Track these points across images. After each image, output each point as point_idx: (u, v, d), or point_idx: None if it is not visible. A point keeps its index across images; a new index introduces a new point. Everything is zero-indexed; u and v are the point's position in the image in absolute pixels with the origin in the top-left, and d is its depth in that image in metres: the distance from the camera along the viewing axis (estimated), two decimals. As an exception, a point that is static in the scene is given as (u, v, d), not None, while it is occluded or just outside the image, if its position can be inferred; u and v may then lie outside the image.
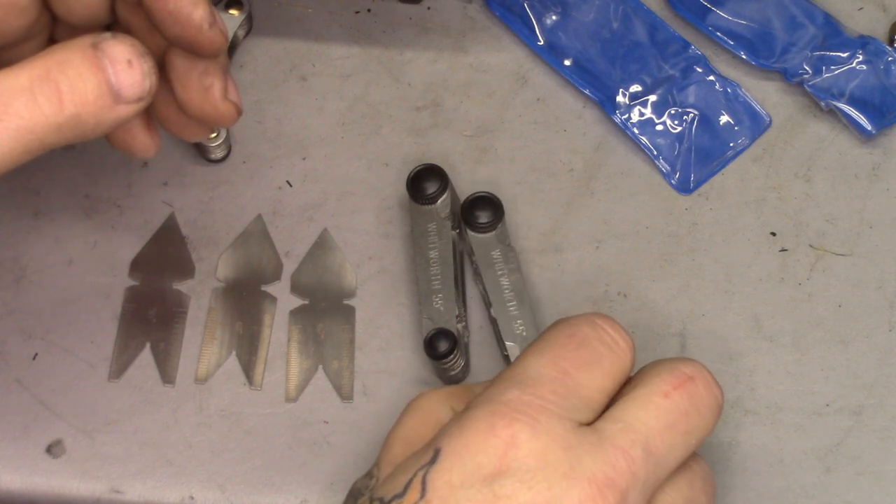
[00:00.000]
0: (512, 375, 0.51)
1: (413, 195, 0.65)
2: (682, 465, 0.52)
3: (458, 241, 0.66)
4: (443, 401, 0.56)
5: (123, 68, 0.48)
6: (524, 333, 0.64)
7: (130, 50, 0.48)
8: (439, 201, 0.65)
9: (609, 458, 0.48)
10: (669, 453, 0.50)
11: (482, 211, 0.65)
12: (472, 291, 0.67)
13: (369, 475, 0.54)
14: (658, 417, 0.50)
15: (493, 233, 0.65)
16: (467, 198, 0.65)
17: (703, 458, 0.54)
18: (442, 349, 0.62)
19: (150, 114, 0.56)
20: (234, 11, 0.71)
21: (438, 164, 0.65)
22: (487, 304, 0.65)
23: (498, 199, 0.65)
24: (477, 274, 0.66)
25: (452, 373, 0.64)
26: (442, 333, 0.63)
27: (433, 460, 0.49)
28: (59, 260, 0.67)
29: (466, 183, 0.69)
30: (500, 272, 0.65)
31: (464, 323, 0.65)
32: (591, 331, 0.52)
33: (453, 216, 0.66)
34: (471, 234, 0.65)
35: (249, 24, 0.72)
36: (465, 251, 0.67)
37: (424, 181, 0.65)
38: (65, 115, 0.47)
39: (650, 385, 0.51)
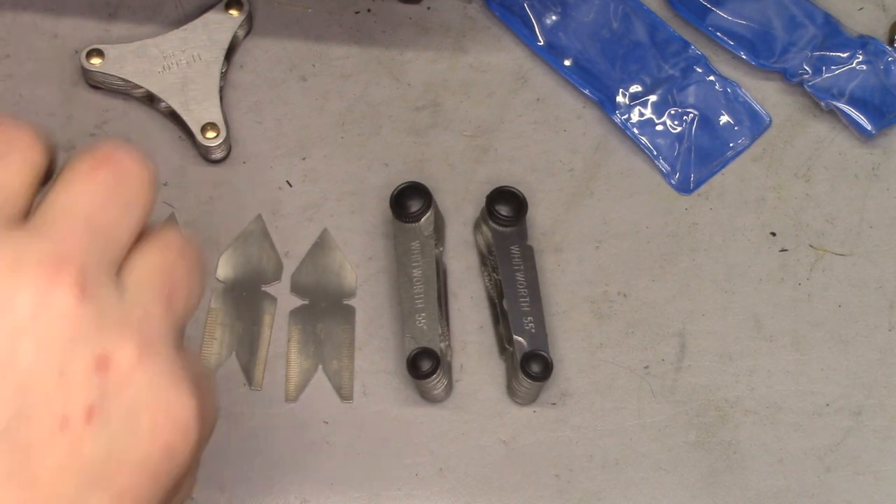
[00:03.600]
0: None
1: (396, 213, 0.65)
2: (150, 236, 0.50)
3: (441, 260, 0.66)
4: None
5: None
6: (533, 330, 0.63)
7: None
8: (423, 219, 0.65)
9: (53, 239, 0.45)
10: (116, 226, 0.48)
11: (506, 205, 0.65)
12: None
13: None
14: (90, 195, 0.48)
15: (515, 228, 0.65)
16: (494, 189, 0.65)
17: (182, 229, 0.52)
18: (425, 368, 0.62)
19: None
20: (233, 11, 0.71)
21: (422, 182, 0.65)
22: (499, 296, 0.65)
23: (523, 196, 0.65)
24: (489, 267, 0.66)
25: (436, 392, 0.64)
26: (425, 353, 0.62)
27: None
28: (59, 260, 0.67)
29: (467, 183, 0.69)
30: (516, 267, 0.64)
31: (447, 342, 0.65)
32: None
33: (437, 234, 0.65)
34: (492, 225, 0.65)
35: (249, 24, 0.72)
36: (482, 243, 0.66)
37: (408, 199, 0.65)
38: None
39: (73, 170, 0.48)
